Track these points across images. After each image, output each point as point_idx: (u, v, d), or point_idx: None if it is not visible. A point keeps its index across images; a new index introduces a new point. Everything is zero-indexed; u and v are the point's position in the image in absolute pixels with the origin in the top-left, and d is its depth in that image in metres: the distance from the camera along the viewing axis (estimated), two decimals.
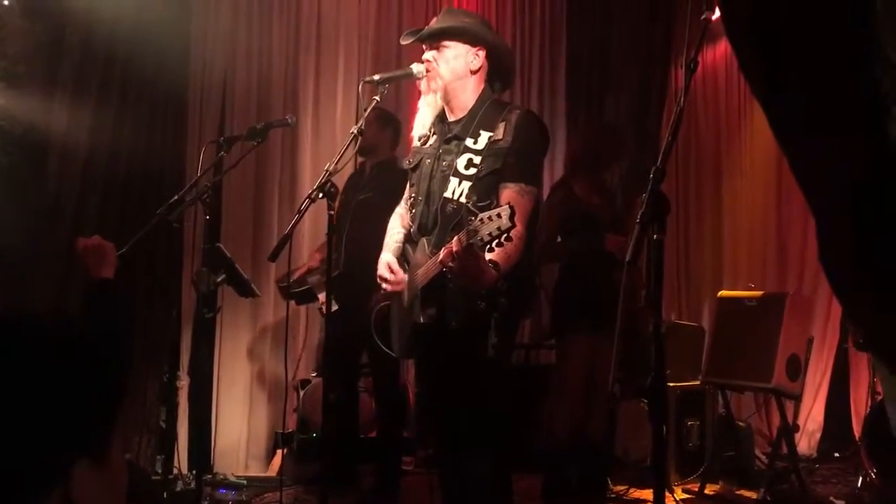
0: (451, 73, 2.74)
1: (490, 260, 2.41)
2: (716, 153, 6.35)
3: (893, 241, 0.80)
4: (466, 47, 2.75)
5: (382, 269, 2.83)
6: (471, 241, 2.25)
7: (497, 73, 2.87)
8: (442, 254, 2.43)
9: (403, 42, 2.90)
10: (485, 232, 2.22)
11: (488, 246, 2.25)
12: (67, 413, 0.90)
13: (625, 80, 5.82)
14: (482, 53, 2.77)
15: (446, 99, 2.78)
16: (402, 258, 2.90)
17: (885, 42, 0.72)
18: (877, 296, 0.85)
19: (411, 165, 2.90)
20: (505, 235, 2.23)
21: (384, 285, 2.82)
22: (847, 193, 0.81)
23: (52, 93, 4.48)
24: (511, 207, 2.23)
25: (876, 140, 0.76)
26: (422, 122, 2.84)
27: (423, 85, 2.79)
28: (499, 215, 2.22)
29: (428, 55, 2.77)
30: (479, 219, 2.25)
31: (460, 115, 2.78)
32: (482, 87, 2.81)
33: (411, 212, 2.88)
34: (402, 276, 2.79)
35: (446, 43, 2.75)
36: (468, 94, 2.78)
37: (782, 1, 0.84)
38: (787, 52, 0.84)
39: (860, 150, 0.79)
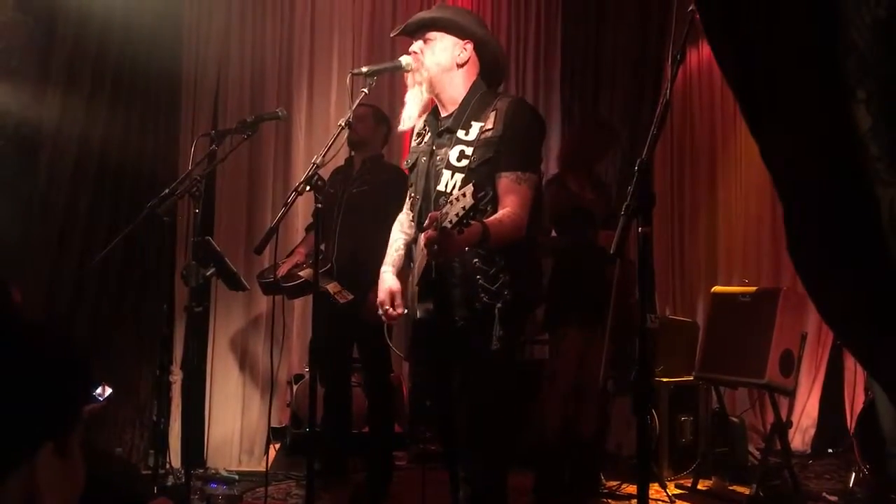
0: (436, 66, 2.70)
1: (482, 221, 2.40)
2: (711, 148, 6.33)
3: (859, 238, 0.79)
4: (454, 39, 2.70)
5: (384, 296, 2.78)
6: (443, 223, 2.23)
7: (488, 70, 2.79)
8: (421, 240, 2.43)
9: (393, 35, 2.87)
10: (452, 213, 2.20)
11: (458, 228, 2.22)
12: (35, 396, 0.90)
13: (619, 76, 5.83)
14: (470, 47, 2.71)
15: (433, 92, 2.73)
16: (407, 262, 2.88)
17: (848, 25, 0.71)
18: (843, 294, 0.84)
19: (409, 165, 2.86)
20: (470, 214, 2.20)
21: (381, 312, 2.78)
22: (815, 186, 0.80)
23: (44, 86, 4.46)
24: (473, 186, 2.25)
25: (842, 129, 0.75)
26: (408, 115, 2.77)
27: (409, 78, 2.75)
28: (464, 194, 2.20)
29: (415, 46, 2.72)
30: (448, 201, 2.25)
31: (451, 109, 2.73)
32: (472, 80, 2.74)
33: (412, 211, 2.84)
34: (401, 311, 2.75)
35: (432, 35, 2.70)
36: (457, 87, 2.73)
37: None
38: (756, 44, 0.83)
39: (826, 141, 0.78)
